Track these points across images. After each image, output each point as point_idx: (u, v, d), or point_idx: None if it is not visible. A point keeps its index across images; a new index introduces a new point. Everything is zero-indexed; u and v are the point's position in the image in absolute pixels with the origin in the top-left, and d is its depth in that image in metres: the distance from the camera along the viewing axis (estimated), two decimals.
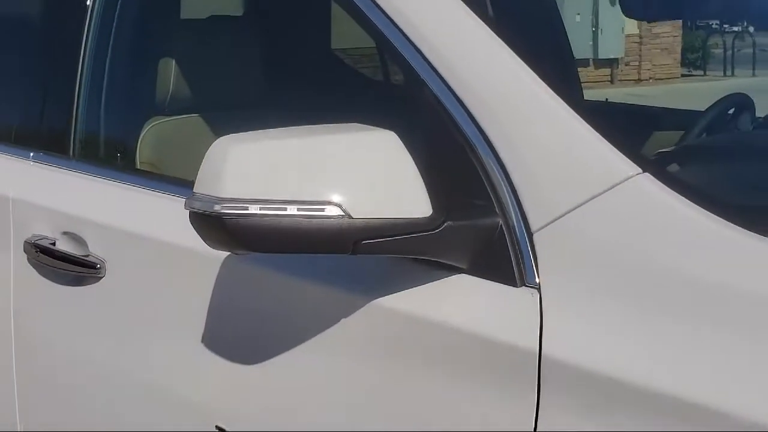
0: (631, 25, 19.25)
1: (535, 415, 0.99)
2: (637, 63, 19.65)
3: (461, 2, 1.16)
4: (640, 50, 19.61)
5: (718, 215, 0.97)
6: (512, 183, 1.07)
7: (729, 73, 20.70)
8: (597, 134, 1.05)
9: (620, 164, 1.02)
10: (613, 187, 1.02)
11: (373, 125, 1.10)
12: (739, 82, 19.02)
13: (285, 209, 1.03)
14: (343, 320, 1.16)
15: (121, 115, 1.79)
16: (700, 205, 0.98)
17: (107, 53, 1.72)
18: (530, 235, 1.05)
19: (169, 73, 1.92)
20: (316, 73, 1.63)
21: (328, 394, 1.19)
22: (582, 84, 2.08)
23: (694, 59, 21.63)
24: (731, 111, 1.91)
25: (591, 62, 17.10)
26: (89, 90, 1.70)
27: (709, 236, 0.97)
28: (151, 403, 1.44)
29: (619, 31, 18.81)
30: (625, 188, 1.01)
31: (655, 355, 0.94)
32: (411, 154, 1.07)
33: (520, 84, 1.10)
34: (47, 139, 1.74)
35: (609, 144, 1.04)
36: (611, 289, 1.00)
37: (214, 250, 1.23)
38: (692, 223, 0.98)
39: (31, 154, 1.74)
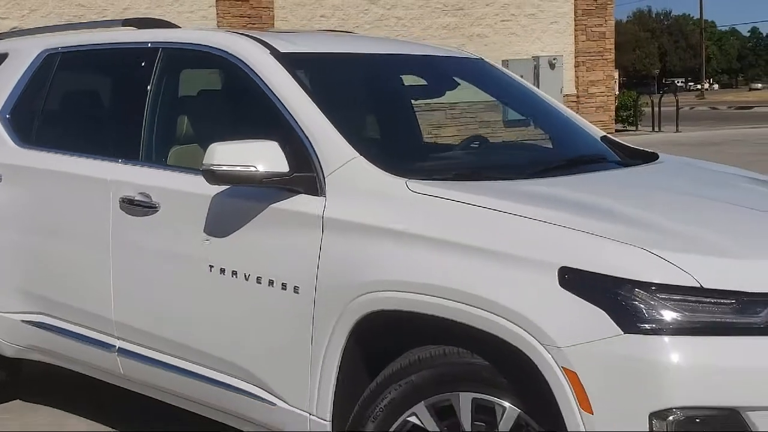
0: (570, 87, 21.53)
1: (321, 238, 2.90)
2: None
3: (307, 95, 3.12)
4: (578, 108, 21.80)
5: (390, 171, 2.90)
6: (320, 160, 3.00)
7: (657, 129, 23.04)
8: (348, 144, 2.99)
9: (349, 151, 2.96)
10: (349, 160, 2.95)
11: (268, 140, 3.02)
12: (665, 137, 21.05)
13: (236, 167, 2.95)
14: (259, 213, 3.08)
15: (162, 144, 3.70)
16: (381, 167, 2.91)
17: (156, 113, 3.65)
18: (324, 178, 2.98)
19: (183, 124, 3.86)
20: (249, 119, 3.53)
21: (258, 244, 3.10)
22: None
23: (627, 116, 23.95)
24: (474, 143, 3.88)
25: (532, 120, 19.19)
26: (148, 130, 3.62)
27: (383, 185, 2.88)
28: (179, 267, 3.33)
29: (558, 92, 21.06)
30: (353, 162, 2.95)
31: (377, 210, 2.84)
32: (282, 150, 2.99)
33: (324, 128, 3.04)
34: (128, 153, 3.65)
35: (352, 147, 2.98)
36: (351, 196, 2.91)
37: (209, 191, 3.17)
38: (372, 174, 2.91)
39: (120, 159, 3.66)
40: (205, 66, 3.78)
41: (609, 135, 4.05)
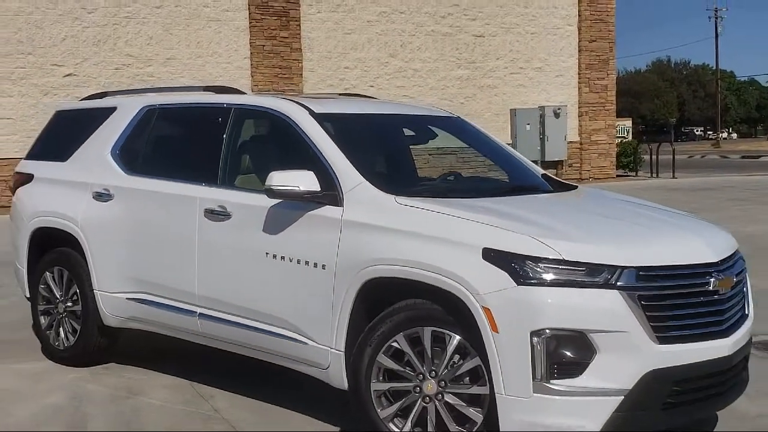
0: (573, 134, 23.18)
1: (339, 233, 4.53)
2: (578, 165, 23.57)
3: (332, 141, 4.79)
4: (581, 154, 23.54)
5: (385, 191, 4.55)
6: (340, 183, 4.65)
7: (654, 175, 24.58)
8: (359, 173, 4.65)
9: (359, 178, 4.62)
10: (359, 184, 4.61)
11: (307, 170, 4.68)
12: (660, 182, 22.52)
13: (287, 187, 4.61)
14: (300, 218, 4.72)
15: (232, 173, 5.35)
16: (379, 188, 4.56)
17: (228, 151, 5.33)
18: (343, 195, 4.63)
19: (245, 160, 5.53)
20: (293, 157, 5.17)
21: (299, 238, 4.74)
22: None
23: (628, 162, 25.56)
24: (450, 177, 5.53)
25: (539, 164, 20.72)
26: (223, 163, 5.29)
27: (380, 199, 4.53)
28: (245, 255, 4.97)
29: (562, 139, 22.76)
30: (361, 185, 4.60)
31: (375, 215, 4.48)
32: (315, 177, 4.65)
33: (343, 163, 4.71)
34: (209, 178, 5.31)
35: (360, 175, 4.64)
36: (360, 206, 4.55)
37: (266, 203, 4.86)
38: (373, 192, 4.55)
39: (203, 183, 5.32)
40: (263, 119, 5.46)
41: (546, 173, 5.67)
